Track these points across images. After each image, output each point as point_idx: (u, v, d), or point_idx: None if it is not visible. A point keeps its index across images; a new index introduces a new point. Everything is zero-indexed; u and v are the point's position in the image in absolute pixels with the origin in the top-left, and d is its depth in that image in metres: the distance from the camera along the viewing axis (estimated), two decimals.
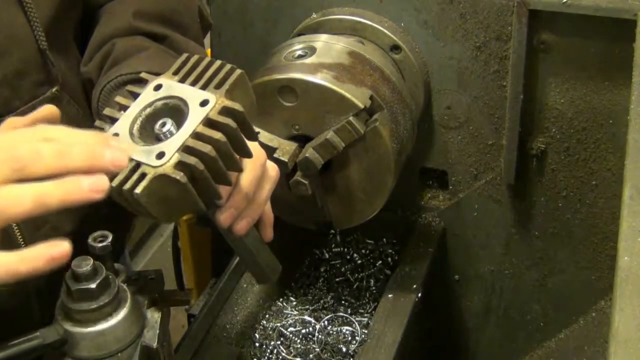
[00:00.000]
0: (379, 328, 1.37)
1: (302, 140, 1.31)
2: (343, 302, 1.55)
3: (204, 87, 0.90)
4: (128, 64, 1.13)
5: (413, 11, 1.43)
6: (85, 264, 0.91)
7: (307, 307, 1.53)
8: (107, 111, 0.92)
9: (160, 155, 0.85)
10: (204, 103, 0.88)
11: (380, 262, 1.61)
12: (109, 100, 1.13)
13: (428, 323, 1.69)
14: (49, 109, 0.91)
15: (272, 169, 1.04)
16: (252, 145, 0.93)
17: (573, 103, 1.40)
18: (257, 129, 1.13)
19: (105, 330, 0.91)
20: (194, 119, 0.87)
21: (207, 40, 1.48)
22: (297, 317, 1.51)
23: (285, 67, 1.32)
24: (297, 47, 1.38)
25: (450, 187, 1.59)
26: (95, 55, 1.18)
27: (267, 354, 1.43)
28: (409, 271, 1.49)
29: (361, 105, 1.26)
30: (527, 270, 1.62)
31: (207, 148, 0.85)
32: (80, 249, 0.97)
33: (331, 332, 1.47)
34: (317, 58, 1.34)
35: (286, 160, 1.26)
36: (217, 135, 0.86)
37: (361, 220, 1.40)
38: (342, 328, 1.48)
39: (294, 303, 1.55)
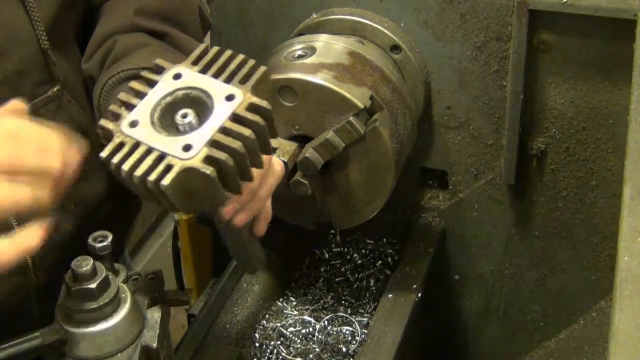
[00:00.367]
0: (379, 328, 1.37)
1: (302, 140, 1.30)
2: (343, 302, 1.55)
3: (227, 81, 0.88)
4: (129, 60, 1.13)
5: (413, 11, 1.43)
6: (85, 264, 0.91)
7: (307, 307, 1.53)
8: (122, 95, 0.89)
9: (187, 147, 0.83)
10: (230, 97, 0.86)
11: (380, 262, 1.61)
12: (110, 97, 1.13)
13: (428, 323, 1.69)
14: (15, 104, 0.90)
15: (277, 165, 1.04)
16: None
17: (573, 103, 1.40)
18: None
19: (105, 330, 0.91)
20: (220, 114, 0.85)
21: (207, 40, 1.48)
22: (297, 317, 1.51)
23: (285, 67, 1.32)
24: (297, 47, 1.38)
25: (450, 187, 1.59)
26: (97, 52, 1.18)
27: (267, 354, 1.43)
28: (409, 271, 1.49)
29: (361, 105, 1.26)
30: (527, 270, 1.62)
31: (236, 144, 0.83)
32: (80, 249, 0.97)
33: (331, 332, 1.47)
34: (317, 58, 1.34)
35: (286, 160, 1.26)
36: (247, 132, 0.84)
37: (361, 220, 1.40)
38: (342, 328, 1.48)
39: (294, 303, 1.55)
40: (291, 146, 1.28)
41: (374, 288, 1.57)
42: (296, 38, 1.44)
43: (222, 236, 1.08)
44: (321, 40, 1.40)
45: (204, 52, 0.92)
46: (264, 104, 0.87)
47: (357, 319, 1.50)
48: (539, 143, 1.46)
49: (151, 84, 0.90)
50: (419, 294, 1.45)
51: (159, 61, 0.92)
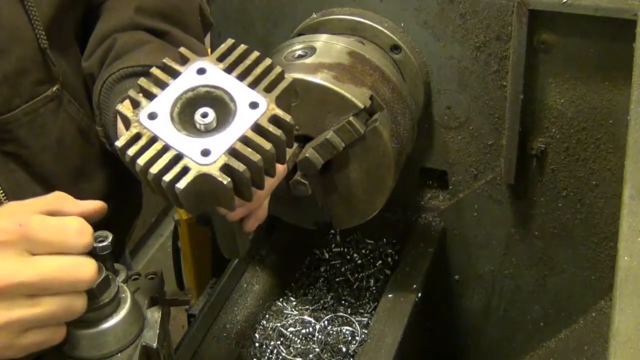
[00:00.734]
0: (379, 328, 1.37)
1: (302, 140, 1.30)
2: (343, 302, 1.55)
3: (252, 86, 0.86)
4: (130, 57, 1.13)
5: (413, 11, 1.43)
6: None
7: (307, 307, 1.53)
8: (142, 81, 0.87)
9: (206, 152, 0.82)
10: (254, 105, 0.85)
11: (380, 262, 1.61)
12: (110, 94, 1.13)
13: (428, 323, 1.69)
14: (99, 205, 0.92)
15: (281, 165, 1.03)
16: None
17: (573, 103, 1.40)
18: None
19: (105, 330, 0.91)
20: (243, 121, 0.84)
21: (207, 40, 1.48)
22: (297, 317, 1.51)
23: (285, 67, 1.30)
24: (297, 47, 1.38)
25: (450, 187, 1.59)
26: (97, 50, 1.18)
27: (267, 354, 1.43)
28: (409, 271, 1.49)
29: (361, 105, 1.26)
30: (527, 270, 1.62)
31: (256, 157, 0.82)
32: None
33: (331, 332, 1.47)
34: (317, 58, 1.34)
35: (286, 160, 1.26)
36: (268, 146, 0.83)
37: (361, 220, 1.40)
38: (342, 328, 1.48)
39: (294, 303, 1.55)
40: None
41: (374, 288, 1.57)
42: (296, 38, 1.45)
43: (213, 222, 1.07)
44: (321, 40, 1.40)
45: (230, 49, 0.89)
46: (287, 118, 0.85)
47: (357, 319, 1.50)
48: (539, 143, 1.46)
49: (173, 74, 0.87)
50: (419, 294, 1.45)
51: (183, 50, 0.90)
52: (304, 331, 1.47)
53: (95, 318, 0.90)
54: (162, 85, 0.87)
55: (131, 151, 0.82)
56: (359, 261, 1.62)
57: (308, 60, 1.33)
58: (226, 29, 1.59)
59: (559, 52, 1.37)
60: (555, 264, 1.59)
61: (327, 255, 1.64)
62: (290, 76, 0.89)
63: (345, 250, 1.64)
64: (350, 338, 1.46)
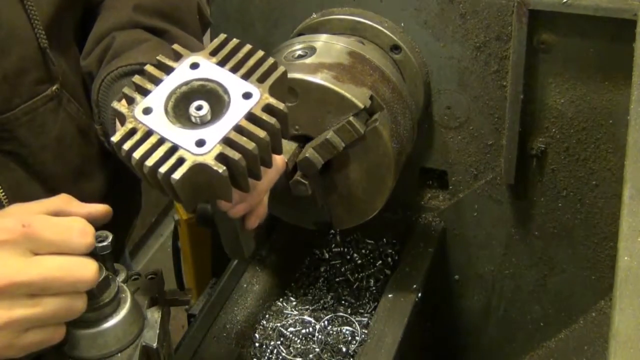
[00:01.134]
0: (379, 328, 1.37)
1: (302, 140, 1.30)
2: (343, 302, 1.55)
3: (245, 77, 0.87)
4: (128, 55, 1.13)
5: (413, 11, 1.43)
6: None
7: (307, 307, 1.53)
8: (136, 79, 0.88)
9: (201, 142, 0.82)
10: (247, 95, 0.85)
11: (380, 262, 1.61)
12: (109, 92, 1.13)
13: (428, 323, 1.70)
14: (104, 208, 0.93)
15: (279, 159, 1.02)
16: None
17: (573, 103, 1.40)
18: None
19: (105, 330, 0.91)
20: (236, 111, 0.84)
21: (207, 40, 1.48)
22: (297, 317, 1.51)
23: (285, 67, 1.32)
24: (297, 47, 1.38)
25: (450, 187, 1.59)
26: (95, 49, 1.18)
27: (267, 354, 1.43)
28: (409, 271, 1.49)
29: (361, 105, 1.26)
30: (527, 270, 1.62)
31: (250, 145, 0.83)
32: None
33: (331, 332, 1.47)
34: (317, 58, 1.34)
35: (286, 160, 1.26)
36: (262, 133, 0.84)
37: (361, 220, 1.40)
38: (342, 328, 1.48)
39: (294, 303, 1.55)
40: (291, 146, 1.28)
41: (374, 288, 1.57)
42: (296, 38, 1.44)
43: (217, 224, 1.07)
44: (321, 40, 1.40)
45: (223, 44, 0.90)
46: (280, 106, 0.86)
47: (357, 319, 1.50)
48: (539, 143, 1.46)
49: (167, 70, 0.88)
50: (419, 294, 1.45)
51: (177, 47, 0.90)
52: (304, 331, 1.47)
53: (95, 318, 0.90)
54: (156, 81, 0.88)
55: (127, 145, 0.83)
56: (359, 261, 1.62)
57: (308, 60, 1.33)
58: (226, 29, 1.59)
59: (559, 52, 1.37)
60: (555, 264, 1.59)
61: (327, 255, 1.65)
62: (283, 66, 0.89)
63: (345, 250, 1.64)
64: (350, 338, 1.46)
